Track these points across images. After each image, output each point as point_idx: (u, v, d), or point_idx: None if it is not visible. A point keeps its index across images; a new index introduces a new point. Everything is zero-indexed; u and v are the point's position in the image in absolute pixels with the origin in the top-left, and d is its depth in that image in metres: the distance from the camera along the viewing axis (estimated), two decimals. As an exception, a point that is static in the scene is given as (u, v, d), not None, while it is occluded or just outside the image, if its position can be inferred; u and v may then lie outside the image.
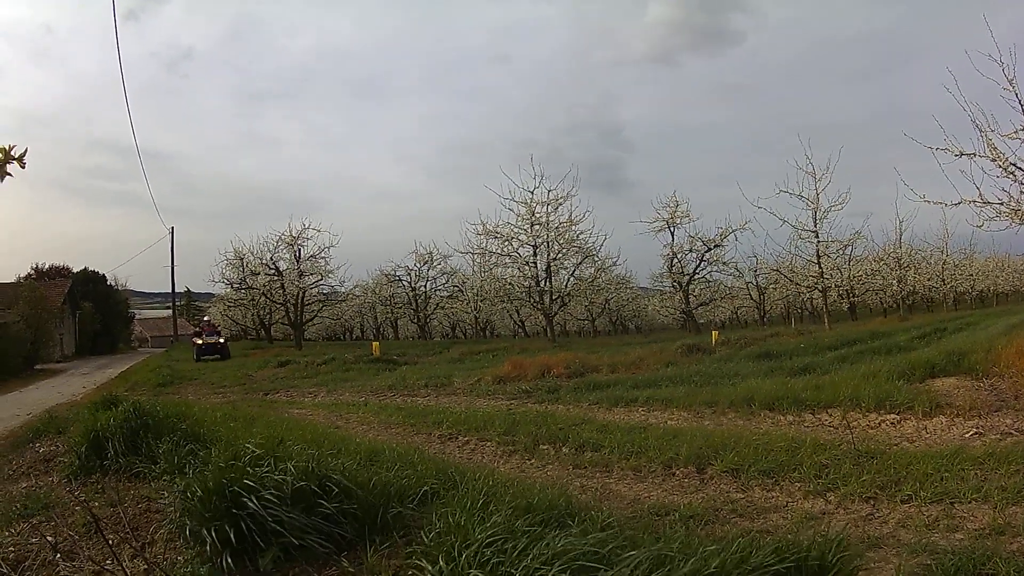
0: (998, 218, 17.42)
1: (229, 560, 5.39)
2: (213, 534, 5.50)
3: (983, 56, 16.23)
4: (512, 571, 4.36)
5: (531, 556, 4.46)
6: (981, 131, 16.84)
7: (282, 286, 49.11)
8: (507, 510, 5.38)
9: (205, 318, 56.07)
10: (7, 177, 3.70)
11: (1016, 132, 16.46)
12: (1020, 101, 16.21)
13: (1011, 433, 9.88)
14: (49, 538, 6.12)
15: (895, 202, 41.42)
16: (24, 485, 9.27)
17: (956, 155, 17.05)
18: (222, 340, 47.05)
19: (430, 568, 4.73)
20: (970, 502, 7.08)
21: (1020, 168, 16.65)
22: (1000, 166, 16.86)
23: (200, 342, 45.98)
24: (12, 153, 3.65)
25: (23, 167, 3.64)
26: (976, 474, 7.83)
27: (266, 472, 5.98)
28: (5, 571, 5.66)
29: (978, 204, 17.46)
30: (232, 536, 5.43)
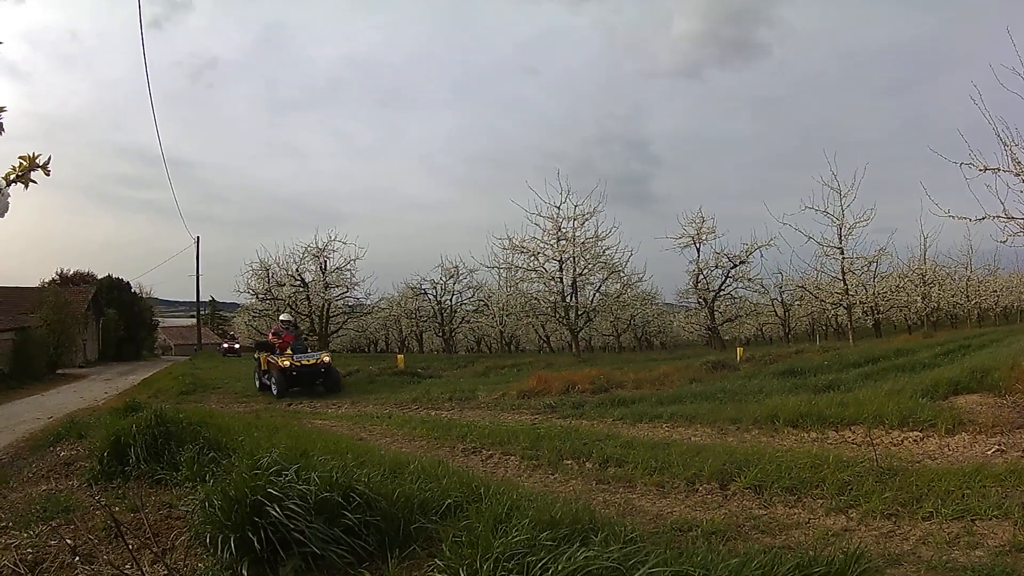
0: (1022, 233, 17.37)
1: (249, 568, 5.42)
2: (232, 542, 5.55)
3: (1007, 70, 16.17)
4: (533, 585, 4.36)
5: (551, 570, 4.49)
6: (1005, 145, 16.77)
7: (307, 298, 48.76)
8: (529, 524, 5.41)
9: (283, 317, 31.22)
10: (32, 184, 3.72)
11: (1041, 145, 16.42)
12: (1045, 115, 16.22)
13: (1033, 450, 9.84)
14: (68, 541, 6.16)
15: (919, 218, 41.31)
16: (44, 488, 9.30)
17: (980, 170, 16.95)
18: (326, 358, 26.81)
19: (450, 581, 4.74)
20: (991, 519, 7.05)
21: (1041, 182, 16.61)
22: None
23: (286, 364, 25.54)
24: (36, 160, 3.66)
25: (47, 175, 3.65)
26: (997, 491, 7.78)
27: (289, 482, 6.02)
28: (24, 572, 5.70)
29: (1002, 219, 17.37)
30: (254, 544, 5.46)
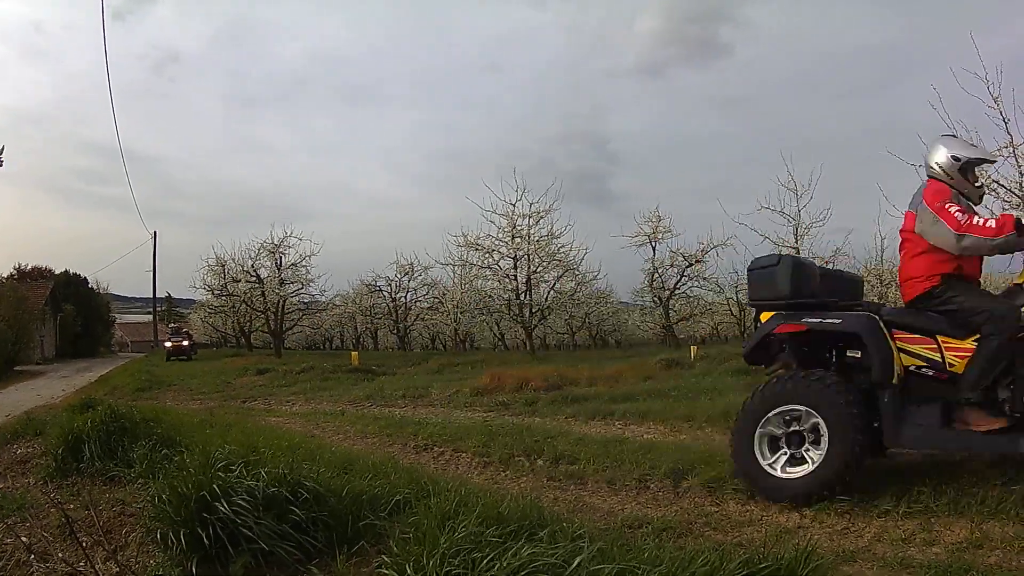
0: (979, 236, 17.42)
1: (199, 565, 5.46)
2: (183, 538, 5.56)
3: (969, 74, 16.23)
4: (477, 580, 4.40)
5: (496, 566, 4.54)
6: (963, 149, 16.78)
7: (263, 294, 48.52)
8: (477, 520, 5.43)
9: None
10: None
11: (999, 150, 16.47)
12: (1004, 119, 16.24)
13: (990, 448, 9.93)
14: (24, 539, 6.15)
15: (877, 219, 40.96)
16: (0, 486, 9.29)
17: (938, 173, 17.03)
18: None
19: (396, 577, 4.76)
20: (947, 516, 7.09)
21: (1003, 186, 16.69)
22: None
23: None
24: (-11, 151, 3.65)
25: (-1, 164, 3.64)
26: (954, 488, 7.86)
27: (237, 477, 6.05)
28: (-22, 570, 5.68)
29: (959, 222, 17.44)
30: (203, 540, 5.48)
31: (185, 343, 54.98)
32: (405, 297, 57.57)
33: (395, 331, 58.87)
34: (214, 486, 5.77)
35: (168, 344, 55.34)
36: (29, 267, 72.82)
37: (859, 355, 7.89)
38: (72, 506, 7.55)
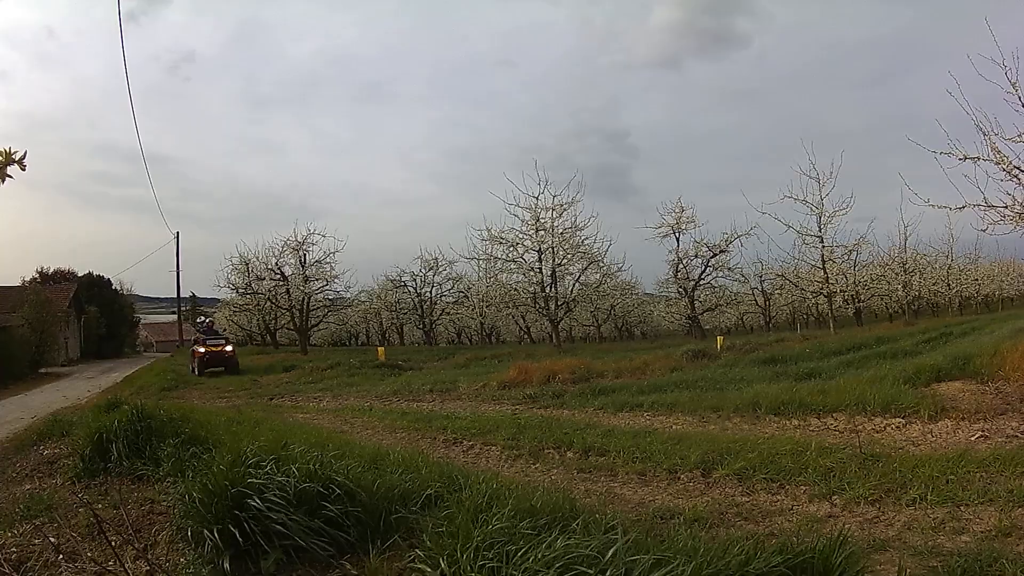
0: (1003, 222, 17.32)
1: (231, 562, 5.41)
2: (216, 535, 5.53)
3: (987, 60, 16.12)
4: (513, 573, 4.38)
5: (531, 558, 4.48)
6: (985, 135, 16.67)
7: (287, 291, 48.36)
8: (509, 513, 5.40)
9: None
10: (8, 179, 3.69)
11: (1020, 135, 16.37)
12: (1024, 104, 16.13)
13: (1017, 436, 9.87)
14: (52, 539, 6.13)
15: (900, 207, 40.85)
16: (28, 487, 9.32)
17: (960, 159, 16.95)
18: None
19: (430, 571, 4.77)
20: (976, 504, 7.09)
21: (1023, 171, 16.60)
22: (1004, 169, 16.76)
23: None
24: (12, 156, 3.63)
25: (23, 169, 3.62)
26: (982, 477, 7.83)
27: (269, 474, 6.01)
28: (7, 571, 5.67)
29: (982, 208, 17.34)
30: (237, 536, 5.46)
31: (228, 348, 37.32)
32: (430, 292, 57.16)
33: (421, 326, 58.53)
34: (249, 481, 5.79)
35: (200, 350, 36.37)
36: (52, 270, 72.91)
37: None
38: (100, 505, 7.57)
